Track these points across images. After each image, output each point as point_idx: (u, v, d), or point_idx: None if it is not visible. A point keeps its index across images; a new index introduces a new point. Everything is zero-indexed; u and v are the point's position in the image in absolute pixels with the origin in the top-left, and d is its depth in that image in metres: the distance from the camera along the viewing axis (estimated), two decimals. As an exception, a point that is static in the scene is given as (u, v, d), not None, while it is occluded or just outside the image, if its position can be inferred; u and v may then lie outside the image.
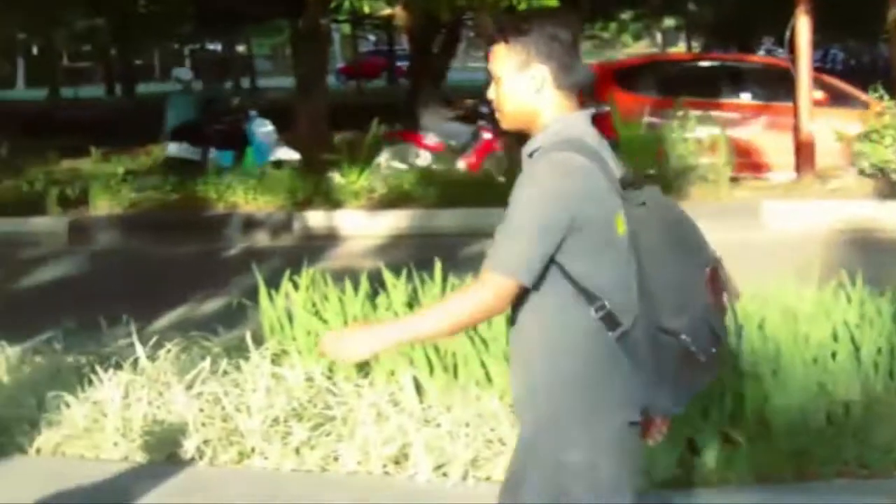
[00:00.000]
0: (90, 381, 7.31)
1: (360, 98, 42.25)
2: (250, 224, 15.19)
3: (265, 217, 15.31)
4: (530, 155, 3.61)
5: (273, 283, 7.92)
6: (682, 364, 3.51)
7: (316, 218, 15.18)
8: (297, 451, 6.56)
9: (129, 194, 16.39)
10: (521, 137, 3.73)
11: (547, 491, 3.60)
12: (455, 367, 7.04)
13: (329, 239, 14.44)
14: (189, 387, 7.10)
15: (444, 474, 6.29)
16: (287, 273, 7.91)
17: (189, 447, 6.62)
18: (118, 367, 7.50)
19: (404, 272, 7.65)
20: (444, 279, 7.47)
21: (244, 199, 15.71)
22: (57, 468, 6.67)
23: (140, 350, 7.61)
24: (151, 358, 7.56)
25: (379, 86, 55.30)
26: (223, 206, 15.83)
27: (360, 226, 14.89)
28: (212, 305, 10.46)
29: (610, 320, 3.49)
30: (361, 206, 15.55)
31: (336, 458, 6.49)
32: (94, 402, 7.05)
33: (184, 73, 21.24)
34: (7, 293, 12.11)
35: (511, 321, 3.69)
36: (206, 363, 7.29)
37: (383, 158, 17.25)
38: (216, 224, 15.29)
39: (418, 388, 6.99)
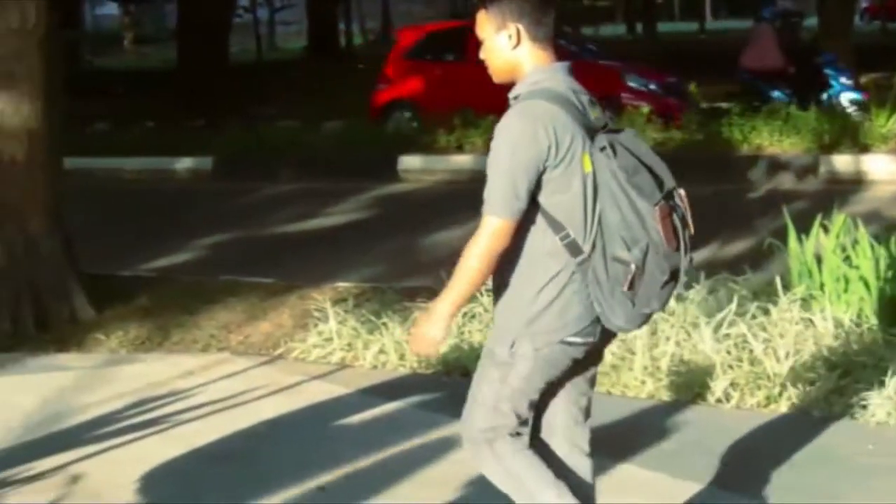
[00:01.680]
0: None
1: (884, 38, 40.86)
2: (775, 166, 14.94)
3: (790, 159, 15.06)
4: (515, 98, 4.09)
5: (799, 227, 7.83)
6: (634, 289, 3.96)
7: (842, 162, 14.75)
8: (825, 397, 6.49)
9: (651, 134, 16.47)
10: None
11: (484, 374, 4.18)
12: None
13: (855, 183, 14.03)
14: (716, 328, 7.13)
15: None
16: (818, 217, 7.80)
17: (716, 389, 6.64)
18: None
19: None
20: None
21: (769, 140, 15.50)
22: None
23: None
24: (679, 298, 7.62)
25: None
26: (747, 148, 15.62)
27: (889, 170, 14.38)
28: (738, 247, 10.44)
29: (573, 247, 4.01)
30: (891, 151, 15.01)
31: (864, 407, 6.36)
32: (621, 340, 7.11)
33: None
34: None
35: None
36: (733, 305, 7.29)
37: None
38: (739, 165, 15.17)
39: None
